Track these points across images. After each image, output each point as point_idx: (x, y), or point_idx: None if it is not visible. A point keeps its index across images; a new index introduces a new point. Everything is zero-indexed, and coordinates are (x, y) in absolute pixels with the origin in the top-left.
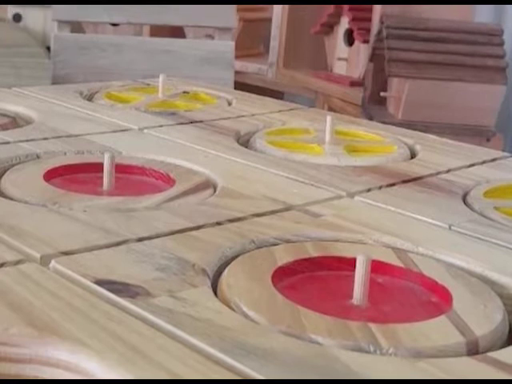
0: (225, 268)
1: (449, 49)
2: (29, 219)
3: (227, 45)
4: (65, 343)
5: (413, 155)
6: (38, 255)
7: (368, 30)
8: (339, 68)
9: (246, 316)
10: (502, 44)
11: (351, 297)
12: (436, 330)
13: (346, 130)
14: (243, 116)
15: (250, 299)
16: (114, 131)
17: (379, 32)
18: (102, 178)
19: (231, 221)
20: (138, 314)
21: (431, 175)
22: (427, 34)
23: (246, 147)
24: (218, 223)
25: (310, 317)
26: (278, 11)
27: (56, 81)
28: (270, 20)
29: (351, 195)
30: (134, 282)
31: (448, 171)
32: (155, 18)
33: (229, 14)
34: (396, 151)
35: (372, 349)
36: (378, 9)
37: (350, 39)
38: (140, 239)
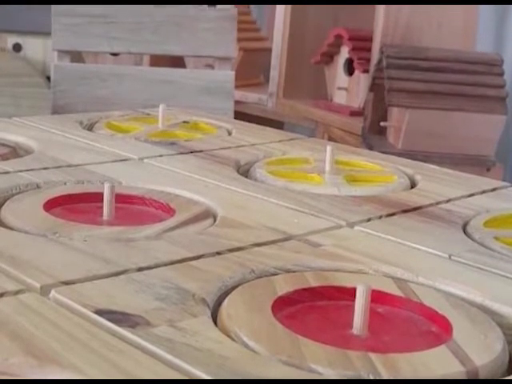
0: (225, 298)
1: (449, 78)
2: (29, 249)
3: (227, 74)
4: (65, 373)
5: (413, 185)
6: (38, 285)
7: (368, 60)
8: (339, 98)
9: (246, 346)
10: (502, 74)
11: (351, 326)
12: (436, 360)
13: (346, 159)
14: (243, 146)
15: (249, 329)
16: (114, 161)
17: (379, 62)
18: (102, 207)
19: (231, 250)
20: (137, 343)
21: (431, 205)
22: (427, 64)
23: (246, 177)
24: (218, 253)
25: (310, 346)
26: (277, 41)
27: (56, 110)
28: (269, 50)
29: (351, 225)
30: (134, 311)
31: (448, 201)
32: (155, 48)
33: (229, 44)
34: (396, 181)
35: (372, 378)
36: (378, 38)
37: (350, 69)
38: (140, 269)
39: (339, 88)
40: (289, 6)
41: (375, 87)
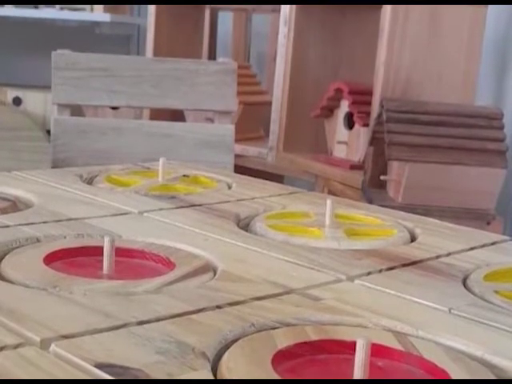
0: (225, 351)
1: (449, 132)
2: (29, 303)
3: (227, 128)
4: None
5: (413, 239)
6: (38, 339)
7: (368, 114)
8: (339, 151)
9: None
10: (502, 127)
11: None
12: None
13: (346, 213)
14: (243, 199)
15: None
16: (114, 215)
17: (379, 115)
18: (102, 261)
19: (231, 304)
20: None
21: (431, 259)
22: (427, 118)
23: (246, 231)
24: (218, 307)
25: None
26: (277, 95)
27: (56, 164)
28: (269, 103)
29: (351, 279)
30: (134, 365)
31: (448, 255)
32: (155, 102)
33: (229, 98)
34: (396, 235)
35: None
36: (378, 92)
37: (350, 123)
38: (140, 323)
39: (339, 142)
40: (289, 61)
41: (375, 141)
